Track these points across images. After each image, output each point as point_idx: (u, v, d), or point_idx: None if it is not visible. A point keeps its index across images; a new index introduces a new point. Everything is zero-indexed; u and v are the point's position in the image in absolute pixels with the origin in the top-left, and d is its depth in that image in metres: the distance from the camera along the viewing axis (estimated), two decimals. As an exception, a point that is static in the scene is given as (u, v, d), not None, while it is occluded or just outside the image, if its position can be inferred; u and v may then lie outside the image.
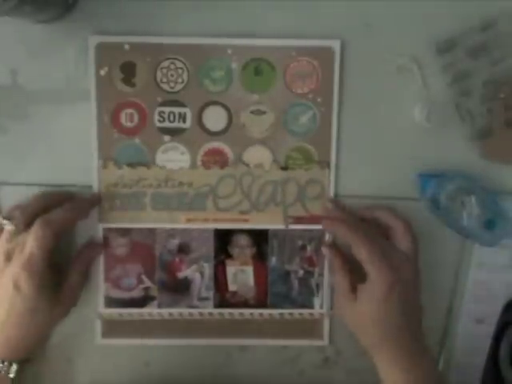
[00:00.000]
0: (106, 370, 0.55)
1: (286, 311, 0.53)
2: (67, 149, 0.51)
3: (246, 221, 0.52)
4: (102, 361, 0.54)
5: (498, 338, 0.53)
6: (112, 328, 0.54)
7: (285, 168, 0.51)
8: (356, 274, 0.48)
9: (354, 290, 0.48)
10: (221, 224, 0.52)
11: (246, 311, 0.53)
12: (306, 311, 0.53)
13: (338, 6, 0.49)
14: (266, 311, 0.53)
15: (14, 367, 0.47)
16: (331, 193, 0.51)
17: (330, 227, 0.51)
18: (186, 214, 0.52)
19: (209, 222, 0.52)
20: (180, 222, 0.52)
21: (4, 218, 0.47)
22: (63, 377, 0.55)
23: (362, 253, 0.46)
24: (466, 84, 0.50)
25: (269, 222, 0.52)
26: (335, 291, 0.52)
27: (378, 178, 0.52)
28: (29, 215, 0.47)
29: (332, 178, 0.51)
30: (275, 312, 0.53)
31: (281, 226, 0.52)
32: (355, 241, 0.47)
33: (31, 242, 0.45)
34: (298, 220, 0.52)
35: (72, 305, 0.49)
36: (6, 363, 0.47)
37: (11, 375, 0.47)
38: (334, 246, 0.52)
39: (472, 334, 0.53)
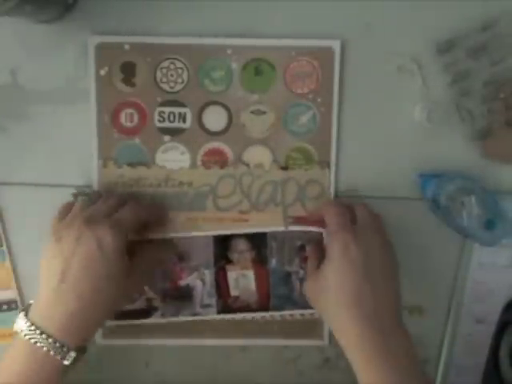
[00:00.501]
0: (106, 370, 0.55)
1: (286, 312, 0.53)
2: (67, 149, 0.51)
3: (245, 221, 0.52)
4: (102, 361, 0.54)
5: (497, 338, 0.53)
6: (113, 329, 0.54)
7: (285, 168, 0.51)
8: None
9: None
10: (220, 225, 0.52)
11: (250, 316, 0.53)
12: (306, 312, 0.53)
13: (338, 6, 0.49)
14: (268, 313, 0.53)
15: (72, 355, 0.43)
16: (331, 193, 0.51)
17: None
18: (186, 213, 0.52)
19: (208, 223, 0.52)
20: (180, 221, 0.52)
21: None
22: (64, 377, 0.54)
23: (328, 216, 0.47)
24: (466, 84, 0.50)
25: (268, 221, 0.52)
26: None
27: (378, 178, 0.52)
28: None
29: (332, 177, 0.51)
30: (276, 312, 0.53)
31: (280, 227, 0.52)
32: (325, 210, 0.48)
33: (127, 209, 0.47)
34: (298, 220, 0.52)
35: (137, 291, 0.50)
36: (64, 348, 0.43)
37: (66, 362, 0.43)
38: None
39: (472, 333, 0.53)
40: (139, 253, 0.48)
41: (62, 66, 0.50)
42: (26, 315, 0.44)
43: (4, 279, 0.53)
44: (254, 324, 0.54)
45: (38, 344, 0.42)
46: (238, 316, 0.53)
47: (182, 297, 0.53)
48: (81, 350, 0.44)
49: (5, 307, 0.54)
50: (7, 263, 0.53)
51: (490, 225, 0.48)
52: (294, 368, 0.55)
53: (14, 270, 0.53)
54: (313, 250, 0.50)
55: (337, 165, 0.51)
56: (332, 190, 0.51)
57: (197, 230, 0.52)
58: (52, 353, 0.42)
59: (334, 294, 0.44)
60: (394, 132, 0.51)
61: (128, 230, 0.46)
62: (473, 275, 0.52)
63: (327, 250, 0.46)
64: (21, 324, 0.43)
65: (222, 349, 0.55)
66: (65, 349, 0.43)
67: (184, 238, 0.52)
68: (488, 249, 0.51)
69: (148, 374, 0.55)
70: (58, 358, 0.43)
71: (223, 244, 0.52)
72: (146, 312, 0.53)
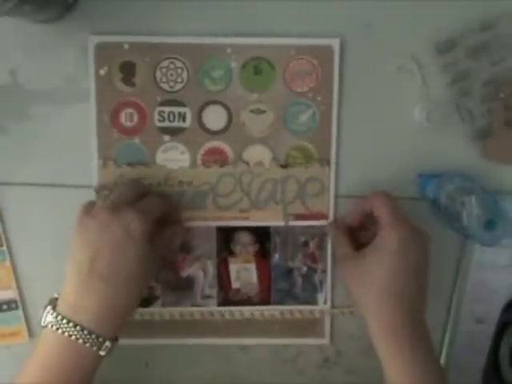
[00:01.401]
0: (106, 370, 0.55)
1: (287, 307, 0.53)
2: (67, 149, 0.51)
3: (246, 219, 0.52)
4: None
5: (497, 338, 0.53)
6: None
7: (284, 166, 0.51)
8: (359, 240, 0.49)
9: (357, 249, 0.48)
10: (221, 222, 0.52)
11: (250, 309, 0.53)
12: (307, 308, 0.53)
13: (337, 6, 0.49)
14: (267, 309, 0.53)
15: (107, 345, 0.43)
16: (331, 192, 0.51)
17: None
18: (186, 212, 0.52)
19: (209, 221, 0.52)
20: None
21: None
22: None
23: (383, 208, 0.46)
24: (466, 84, 0.50)
25: (269, 219, 0.52)
26: (336, 254, 0.51)
27: (378, 178, 0.52)
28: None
29: (332, 177, 0.51)
30: (276, 311, 0.53)
31: (281, 223, 0.52)
32: (379, 201, 0.47)
33: (149, 198, 0.47)
34: (298, 217, 0.52)
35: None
36: (100, 338, 0.43)
37: (102, 353, 0.43)
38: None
39: (472, 333, 0.53)
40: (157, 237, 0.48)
41: (61, 66, 0.50)
42: (54, 309, 0.44)
43: (4, 279, 0.53)
44: (255, 323, 0.54)
45: (73, 337, 0.42)
46: (239, 312, 0.53)
47: (183, 287, 0.53)
48: (114, 340, 0.44)
49: (5, 307, 0.54)
50: (7, 263, 0.53)
51: (490, 225, 0.48)
52: (293, 367, 0.55)
53: (14, 270, 0.53)
54: (342, 233, 0.50)
55: (337, 164, 0.51)
56: (332, 189, 0.51)
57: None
58: (88, 344, 0.42)
59: (381, 287, 0.45)
60: (394, 132, 0.51)
61: (153, 217, 0.46)
62: (473, 275, 0.52)
63: (379, 240, 0.46)
64: (50, 318, 0.43)
65: (221, 349, 0.55)
66: (100, 339, 0.43)
67: (187, 228, 0.52)
68: (488, 249, 0.51)
69: (148, 374, 0.55)
70: (95, 349, 0.43)
71: (226, 236, 0.52)
72: (147, 301, 0.53)
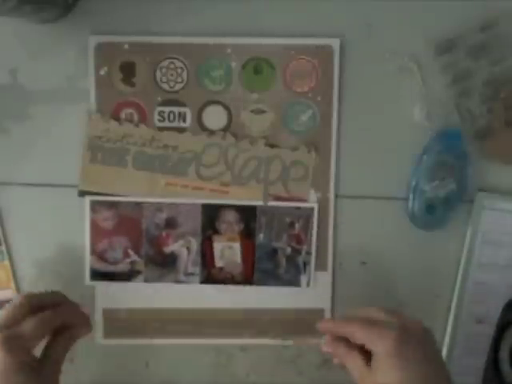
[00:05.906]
0: (106, 370, 0.55)
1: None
2: (67, 149, 0.51)
3: (225, 193, 0.51)
4: (102, 361, 0.54)
5: (498, 337, 0.53)
6: (113, 328, 0.54)
7: (272, 145, 0.51)
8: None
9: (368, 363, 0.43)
10: (199, 192, 0.51)
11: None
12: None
13: (337, 6, 0.49)
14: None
15: None
16: (331, 194, 0.51)
17: (323, 330, 0.46)
18: (166, 177, 0.51)
19: (187, 191, 0.51)
20: (159, 185, 0.51)
21: None
22: (64, 376, 0.54)
23: (357, 333, 0.43)
24: (466, 84, 0.50)
25: (248, 197, 0.51)
26: (352, 374, 0.46)
27: (377, 178, 0.52)
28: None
29: (332, 178, 0.51)
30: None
31: (260, 202, 0.52)
32: (348, 330, 0.44)
33: (30, 322, 0.43)
34: (277, 199, 0.52)
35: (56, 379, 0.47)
36: None
37: None
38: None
39: (472, 333, 0.53)
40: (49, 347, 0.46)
41: (62, 66, 0.50)
42: None
43: (3, 279, 0.53)
44: (254, 323, 0.54)
45: None
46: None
47: (167, 263, 0.53)
48: None
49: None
50: (6, 263, 0.53)
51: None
52: (293, 368, 0.55)
53: (13, 270, 0.53)
54: (347, 346, 0.45)
55: (337, 163, 0.51)
56: (332, 191, 0.51)
57: (176, 196, 0.51)
58: None
59: None
60: (394, 132, 0.51)
61: (28, 344, 0.43)
62: (473, 275, 0.52)
63: (375, 352, 0.41)
64: None
65: (221, 349, 0.55)
66: None
67: (172, 204, 0.52)
68: (488, 249, 0.51)
69: (148, 374, 0.55)
70: None
71: (212, 213, 0.52)
72: (129, 274, 0.53)
